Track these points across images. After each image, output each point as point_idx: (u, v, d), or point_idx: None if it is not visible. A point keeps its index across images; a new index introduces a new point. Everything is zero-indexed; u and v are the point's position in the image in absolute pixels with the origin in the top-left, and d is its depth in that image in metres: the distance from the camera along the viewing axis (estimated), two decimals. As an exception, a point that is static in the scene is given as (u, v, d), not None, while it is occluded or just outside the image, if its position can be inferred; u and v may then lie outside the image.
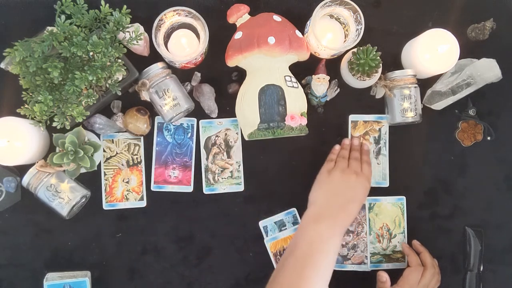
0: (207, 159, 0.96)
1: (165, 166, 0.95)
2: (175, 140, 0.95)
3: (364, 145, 0.96)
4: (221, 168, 0.95)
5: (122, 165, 0.94)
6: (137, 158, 0.95)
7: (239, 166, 0.96)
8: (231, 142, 0.96)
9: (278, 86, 0.85)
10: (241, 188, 0.96)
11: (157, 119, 0.95)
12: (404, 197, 0.97)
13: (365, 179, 0.90)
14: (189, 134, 0.96)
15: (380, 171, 0.97)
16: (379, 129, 0.97)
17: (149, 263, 0.94)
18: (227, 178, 0.96)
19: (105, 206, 0.94)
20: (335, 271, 0.95)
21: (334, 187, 0.88)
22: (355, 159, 0.93)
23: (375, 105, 0.97)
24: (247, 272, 0.96)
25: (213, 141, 0.96)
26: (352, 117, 0.97)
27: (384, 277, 0.90)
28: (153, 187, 0.95)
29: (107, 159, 0.94)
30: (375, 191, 0.96)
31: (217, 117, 0.96)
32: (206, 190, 0.95)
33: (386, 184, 0.97)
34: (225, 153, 0.96)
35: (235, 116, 0.93)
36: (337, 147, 0.95)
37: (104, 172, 0.94)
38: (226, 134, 0.96)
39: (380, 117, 0.97)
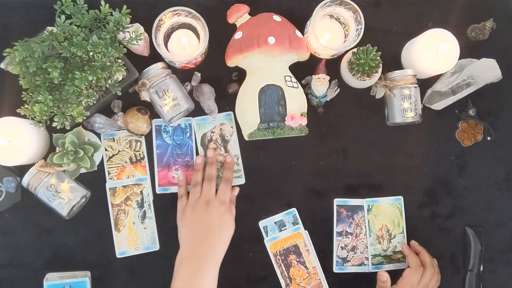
0: (205, 155, 0.95)
1: (167, 168, 0.95)
2: (174, 141, 0.95)
3: (227, 158, 0.93)
4: (220, 163, 0.95)
5: (126, 162, 0.94)
6: (139, 154, 0.95)
7: (237, 159, 0.96)
8: (227, 136, 0.96)
9: (278, 86, 0.85)
10: (242, 181, 0.95)
11: (154, 122, 0.94)
12: (401, 197, 0.97)
13: (218, 204, 0.87)
14: (188, 134, 0.95)
15: (148, 235, 0.93)
16: (141, 192, 0.93)
17: (149, 263, 0.94)
18: (227, 173, 0.95)
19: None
20: (335, 274, 0.95)
21: (190, 226, 0.87)
22: (208, 180, 0.90)
23: (375, 105, 0.97)
24: (247, 272, 0.96)
25: (209, 137, 0.96)
26: (108, 184, 0.93)
27: (385, 276, 0.90)
28: (158, 190, 0.94)
29: (110, 158, 0.94)
30: (373, 192, 0.97)
31: (217, 117, 0.96)
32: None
33: (156, 247, 0.93)
34: (222, 148, 0.96)
35: (228, 110, 0.93)
36: (181, 177, 0.93)
37: (108, 171, 0.94)
38: (221, 129, 0.96)
39: (140, 179, 0.93)
